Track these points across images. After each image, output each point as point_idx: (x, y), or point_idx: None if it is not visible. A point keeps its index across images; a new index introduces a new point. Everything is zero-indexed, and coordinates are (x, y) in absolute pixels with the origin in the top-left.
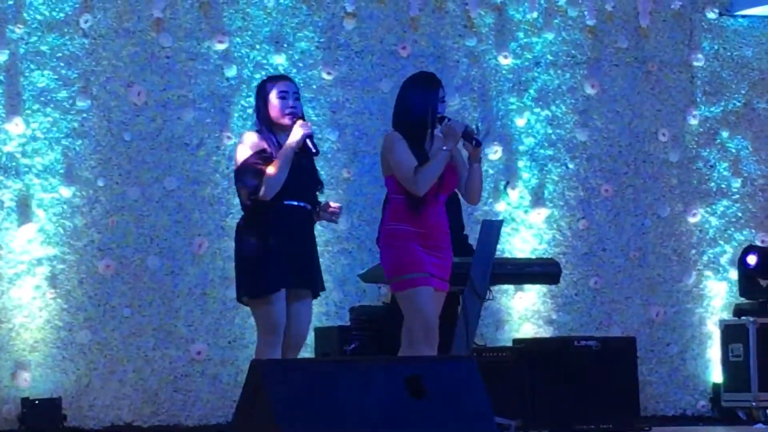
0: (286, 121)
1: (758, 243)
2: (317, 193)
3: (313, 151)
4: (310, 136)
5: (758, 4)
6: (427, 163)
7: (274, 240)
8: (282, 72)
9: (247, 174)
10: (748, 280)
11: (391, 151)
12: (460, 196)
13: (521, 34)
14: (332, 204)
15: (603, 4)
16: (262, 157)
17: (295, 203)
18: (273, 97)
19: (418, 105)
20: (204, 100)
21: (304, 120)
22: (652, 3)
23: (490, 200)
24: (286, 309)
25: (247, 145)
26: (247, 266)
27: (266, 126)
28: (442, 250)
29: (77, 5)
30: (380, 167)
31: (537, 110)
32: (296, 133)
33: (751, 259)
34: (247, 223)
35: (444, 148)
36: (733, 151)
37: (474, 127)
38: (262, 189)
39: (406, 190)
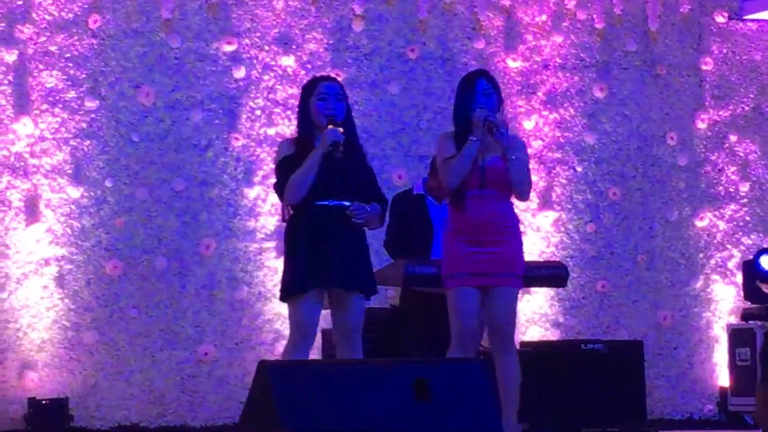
0: (324, 123)
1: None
2: (359, 190)
3: (338, 156)
4: (337, 141)
5: (767, 9)
6: (455, 155)
7: (303, 241)
8: (290, 73)
9: (277, 180)
10: (754, 285)
11: (437, 149)
12: None
13: (530, 37)
14: (356, 203)
15: (612, 8)
16: (291, 162)
17: (328, 203)
18: (313, 100)
19: (457, 102)
20: (212, 101)
21: (340, 123)
22: (661, 6)
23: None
24: (334, 308)
25: (280, 151)
26: (284, 268)
27: (306, 127)
28: (497, 244)
29: (86, 6)
30: (389, 169)
31: (545, 113)
32: (323, 139)
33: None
34: (287, 225)
35: (471, 138)
36: (742, 155)
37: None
38: (286, 194)
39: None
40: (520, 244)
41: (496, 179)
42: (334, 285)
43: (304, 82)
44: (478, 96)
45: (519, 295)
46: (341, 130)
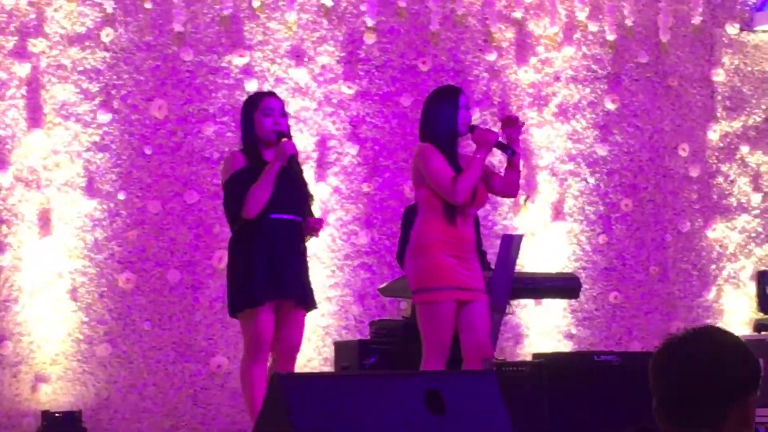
0: (272, 138)
1: None
2: (307, 205)
3: (295, 168)
4: (294, 155)
5: None
6: (463, 172)
7: (259, 254)
8: (302, 86)
9: (231, 193)
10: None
11: (426, 162)
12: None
13: (541, 49)
14: (314, 218)
15: (623, 19)
16: (245, 175)
17: (282, 217)
18: (258, 115)
19: (443, 116)
20: (224, 114)
21: (289, 137)
22: (672, 18)
23: (510, 214)
24: (277, 321)
25: (230, 164)
26: (234, 281)
27: (252, 143)
28: (472, 261)
29: (99, 19)
30: (400, 182)
31: (557, 125)
32: (281, 153)
33: None
34: (235, 237)
35: (477, 156)
36: (754, 166)
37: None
38: (244, 207)
39: (442, 200)
40: None
41: (482, 200)
42: (288, 298)
43: (312, 93)
44: (461, 111)
45: (531, 307)
46: (293, 143)
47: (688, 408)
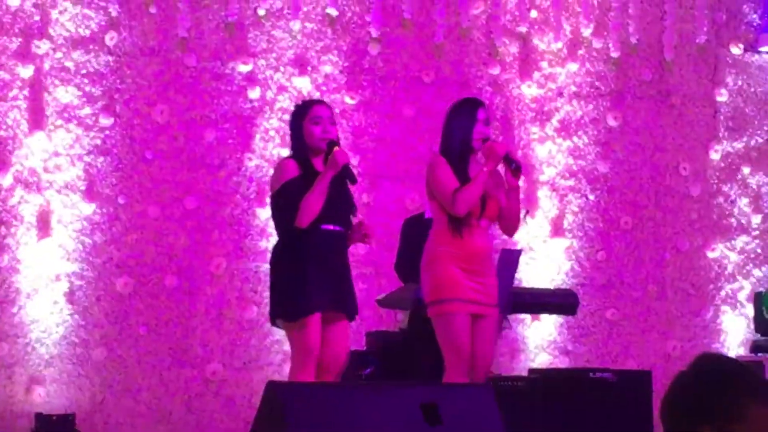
0: (321, 146)
1: None
2: (351, 216)
3: (353, 179)
4: (347, 164)
5: None
6: (467, 184)
7: (311, 264)
8: (305, 95)
9: (283, 202)
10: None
11: (433, 173)
12: None
13: (545, 64)
14: (364, 224)
15: (628, 37)
16: (297, 184)
17: (331, 228)
18: (307, 123)
19: (458, 128)
20: (226, 121)
21: (339, 146)
22: (676, 37)
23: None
24: (322, 332)
25: (282, 172)
26: (283, 290)
27: (301, 151)
28: (483, 275)
29: (103, 22)
30: (400, 193)
31: (559, 140)
32: (333, 162)
33: None
34: (284, 247)
35: (484, 168)
36: (754, 187)
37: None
38: (298, 216)
39: (448, 212)
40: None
41: (492, 212)
42: (338, 309)
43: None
44: (479, 124)
45: (528, 322)
46: (347, 152)
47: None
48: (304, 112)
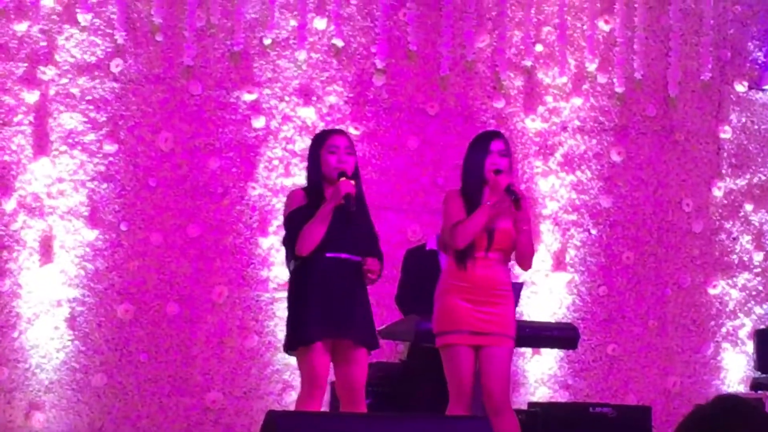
0: (334, 176)
1: None
2: (371, 245)
3: (350, 209)
4: (350, 193)
5: None
6: (468, 217)
7: (314, 293)
8: (309, 125)
9: (287, 230)
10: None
11: (444, 206)
12: None
13: (549, 98)
14: (367, 262)
15: (632, 72)
16: (302, 213)
17: (338, 256)
18: (324, 152)
19: (472, 161)
20: (230, 150)
21: (350, 177)
22: (681, 73)
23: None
24: (335, 360)
25: (290, 201)
26: (288, 319)
27: (315, 181)
28: (492, 305)
29: (109, 49)
30: (403, 224)
31: (562, 175)
32: (336, 192)
33: None
34: (293, 276)
35: (486, 201)
36: (757, 224)
37: None
38: (298, 244)
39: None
40: (513, 306)
41: (502, 244)
42: (345, 337)
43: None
44: (492, 156)
45: (529, 356)
46: (353, 182)
47: None
48: (321, 142)
